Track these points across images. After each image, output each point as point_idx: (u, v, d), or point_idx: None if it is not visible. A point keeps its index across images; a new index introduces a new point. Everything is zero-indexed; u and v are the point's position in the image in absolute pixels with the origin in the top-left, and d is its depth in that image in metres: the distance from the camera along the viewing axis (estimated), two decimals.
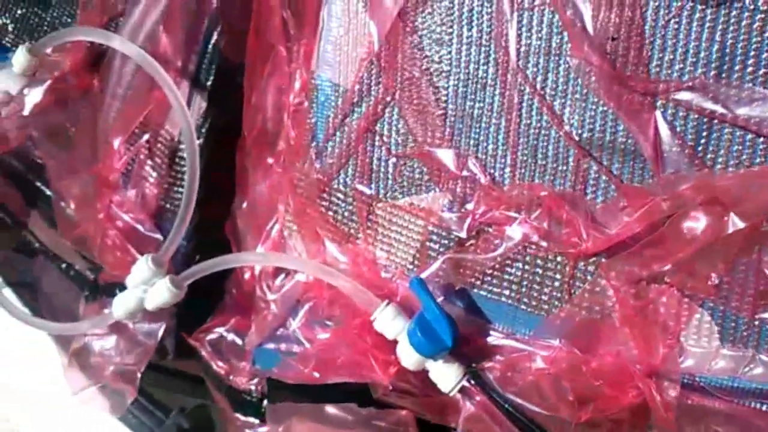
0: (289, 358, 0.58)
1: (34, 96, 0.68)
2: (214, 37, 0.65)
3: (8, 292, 0.81)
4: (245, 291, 0.66)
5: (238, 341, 0.64)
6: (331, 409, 0.54)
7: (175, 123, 0.66)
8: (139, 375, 0.64)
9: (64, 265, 0.73)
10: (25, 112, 0.68)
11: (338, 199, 0.60)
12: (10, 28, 0.75)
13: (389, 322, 0.53)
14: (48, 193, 0.74)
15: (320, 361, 0.54)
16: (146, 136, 0.67)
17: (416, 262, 0.56)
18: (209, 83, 0.65)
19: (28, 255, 0.80)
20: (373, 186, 0.58)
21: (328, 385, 0.53)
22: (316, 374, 0.54)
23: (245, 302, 0.65)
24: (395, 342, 0.53)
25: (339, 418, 0.55)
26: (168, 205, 0.67)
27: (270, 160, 0.65)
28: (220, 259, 0.61)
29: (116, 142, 0.66)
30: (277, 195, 0.65)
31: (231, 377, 0.63)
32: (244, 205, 0.66)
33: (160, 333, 0.63)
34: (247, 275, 0.66)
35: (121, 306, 0.60)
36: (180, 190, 0.66)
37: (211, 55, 0.65)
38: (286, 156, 0.64)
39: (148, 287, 0.59)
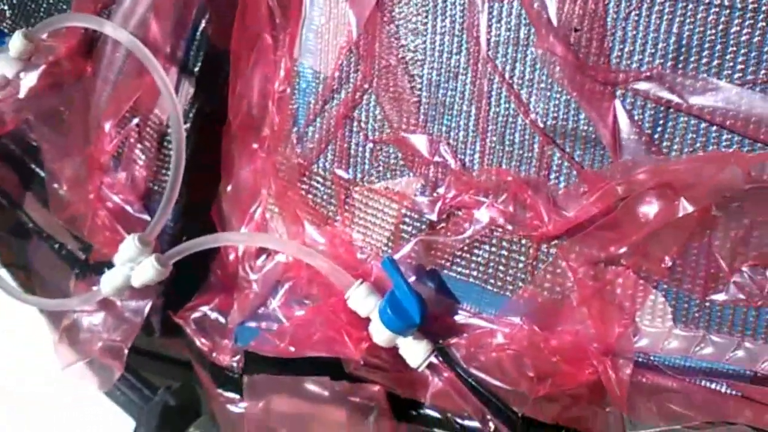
0: (267, 333, 0.60)
1: (29, 80, 0.71)
2: (202, 24, 0.67)
3: (3, 273, 0.83)
4: (229, 271, 0.68)
5: (222, 319, 0.66)
6: (308, 384, 0.56)
7: (164, 108, 0.69)
8: (126, 351, 0.67)
9: (56, 245, 0.75)
10: (21, 96, 0.70)
11: (317, 182, 0.62)
12: (7, 13, 0.77)
13: (362, 300, 0.55)
14: (42, 174, 0.77)
15: (296, 337, 0.56)
16: (136, 120, 0.69)
17: (390, 243, 0.59)
18: (197, 70, 0.67)
19: (22, 236, 0.83)
20: (350, 170, 0.60)
21: (303, 360, 0.55)
22: (292, 348, 0.56)
23: (229, 282, 0.68)
24: (368, 319, 0.56)
25: (315, 393, 0.57)
26: (156, 187, 0.70)
27: (255, 146, 0.68)
28: (203, 238, 0.63)
29: (107, 126, 0.69)
30: (260, 179, 0.67)
31: (214, 354, 0.65)
32: (229, 188, 0.68)
33: (146, 310, 0.66)
34: (231, 256, 0.68)
35: (108, 283, 0.62)
36: (167, 173, 0.69)
37: (199, 42, 0.67)
38: (270, 141, 0.66)
39: (134, 265, 0.62)
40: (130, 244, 0.62)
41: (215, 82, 0.68)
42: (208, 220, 0.69)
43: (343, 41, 0.59)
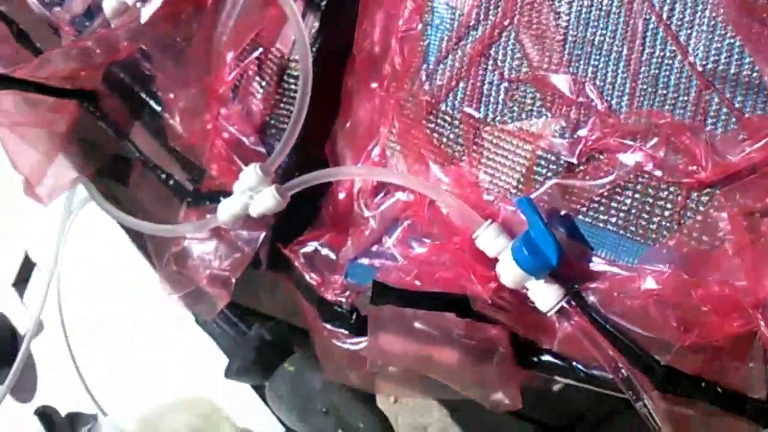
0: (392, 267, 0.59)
1: (150, 7, 0.70)
2: None
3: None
4: (339, 210, 0.67)
5: (332, 255, 0.66)
6: (432, 320, 0.55)
7: (285, 41, 0.68)
8: (233, 281, 0.67)
9: (163, 176, 0.76)
10: (142, 21, 0.70)
11: (445, 121, 0.61)
12: None
13: (492, 240, 0.54)
14: (152, 105, 0.77)
15: (421, 272, 0.56)
16: (257, 53, 0.69)
17: (520, 186, 0.57)
18: (323, 3, 0.66)
19: (125, 166, 0.83)
20: (482, 109, 0.59)
21: (428, 296, 0.54)
22: (417, 282, 0.55)
23: (339, 220, 0.67)
24: (494, 261, 0.55)
25: (439, 330, 0.56)
26: (273, 121, 0.69)
27: (374, 85, 0.67)
28: (323, 171, 0.63)
29: (228, 56, 0.68)
30: (379, 117, 0.66)
31: (322, 289, 0.65)
32: (347, 126, 0.67)
33: (260, 240, 0.65)
34: (341, 195, 0.68)
35: (226, 210, 0.62)
36: (285, 107, 0.68)
37: None
38: (392, 80, 0.65)
39: (254, 194, 0.61)
40: (251, 173, 0.61)
41: (340, 17, 0.67)
42: (320, 156, 0.68)
43: None
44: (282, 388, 0.72)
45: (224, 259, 0.66)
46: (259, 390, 0.75)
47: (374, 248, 0.63)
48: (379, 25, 0.66)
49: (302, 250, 0.66)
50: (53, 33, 0.88)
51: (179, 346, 0.84)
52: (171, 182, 0.74)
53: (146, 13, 0.71)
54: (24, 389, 0.97)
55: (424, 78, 0.61)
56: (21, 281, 1.02)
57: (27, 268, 1.01)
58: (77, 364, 0.95)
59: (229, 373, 0.73)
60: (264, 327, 0.75)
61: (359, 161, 0.66)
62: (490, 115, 0.59)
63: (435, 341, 0.58)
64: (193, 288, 0.69)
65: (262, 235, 0.65)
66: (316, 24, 0.66)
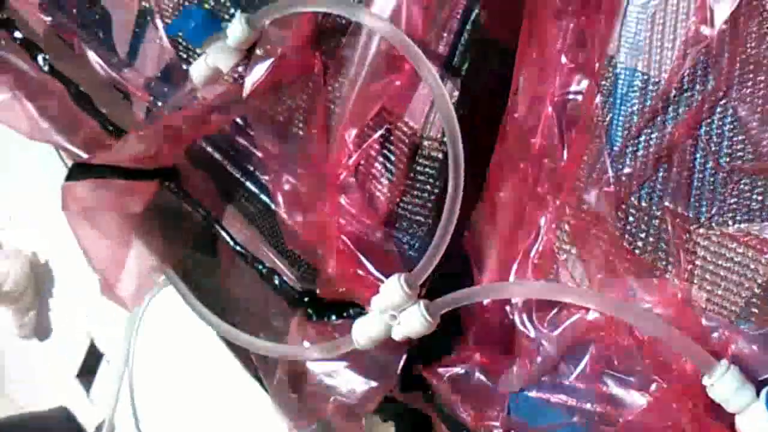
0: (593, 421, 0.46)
1: (253, 77, 0.59)
2: (475, 12, 0.53)
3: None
4: (487, 322, 0.55)
5: (486, 381, 0.53)
6: None
7: (416, 114, 0.56)
8: (364, 414, 0.54)
9: (265, 271, 0.64)
10: (245, 94, 0.58)
11: (640, 220, 0.48)
12: None
13: (733, 391, 0.41)
14: (249, 186, 0.65)
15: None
16: (381, 130, 0.57)
17: (752, 309, 0.44)
18: (465, 68, 0.54)
19: (214, 255, 0.72)
20: (692, 206, 0.46)
21: None
22: None
23: (488, 336, 0.55)
24: (729, 414, 0.42)
25: None
26: (402, 211, 0.57)
27: (522, 165, 0.54)
28: (482, 288, 0.51)
29: (349, 136, 0.56)
30: (536, 207, 0.53)
31: (478, 425, 0.52)
32: (495, 216, 0.55)
33: (400, 366, 0.53)
34: (486, 301, 0.55)
35: (363, 332, 0.50)
36: (419, 194, 0.56)
37: (469, 34, 0.54)
38: (544, 157, 0.53)
39: (397, 313, 0.49)
40: (395, 288, 0.49)
41: (483, 82, 0.55)
42: (459, 249, 0.56)
43: (691, 33, 0.45)
44: None
45: (356, 387, 0.54)
46: None
47: (545, 378, 0.51)
48: (530, 91, 0.54)
49: (447, 374, 0.54)
50: (122, 97, 0.77)
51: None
52: (276, 281, 0.62)
53: (250, 84, 0.59)
54: None
55: (608, 163, 0.49)
56: (86, 372, 0.91)
57: (93, 358, 0.90)
58: None
59: None
60: None
61: (513, 262, 0.54)
62: (705, 214, 0.46)
63: None
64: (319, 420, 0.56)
65: (403, 359, 0.53)
66: (456, 93, 0.54)
